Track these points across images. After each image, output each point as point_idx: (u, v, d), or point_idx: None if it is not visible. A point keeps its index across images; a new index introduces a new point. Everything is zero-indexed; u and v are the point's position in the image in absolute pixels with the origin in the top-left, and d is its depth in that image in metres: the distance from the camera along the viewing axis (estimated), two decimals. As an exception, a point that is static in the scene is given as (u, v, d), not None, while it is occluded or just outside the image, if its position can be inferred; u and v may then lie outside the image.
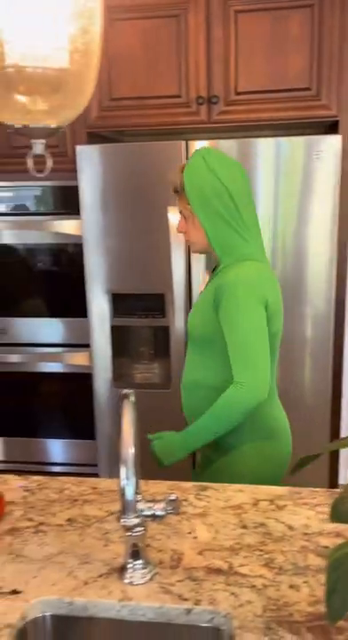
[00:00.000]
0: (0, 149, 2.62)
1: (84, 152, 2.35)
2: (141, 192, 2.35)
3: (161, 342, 2.51)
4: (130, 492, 0.93)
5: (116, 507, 1.30)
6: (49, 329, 2.71)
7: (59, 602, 1.02)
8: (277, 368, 1.60)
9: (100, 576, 1.08)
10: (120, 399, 0.96)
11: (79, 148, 2.35)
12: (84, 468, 2.73)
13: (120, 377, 2.57)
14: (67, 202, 2.54)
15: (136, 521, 0.95)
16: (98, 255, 2.44)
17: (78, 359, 2.68)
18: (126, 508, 0.94)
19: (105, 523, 1.25)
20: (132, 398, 0.95)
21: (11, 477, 1.47)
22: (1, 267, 2.70)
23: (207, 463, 1.60)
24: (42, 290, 2.72)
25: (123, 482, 0.93)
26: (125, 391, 0.96)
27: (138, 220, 2.37)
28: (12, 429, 2.85)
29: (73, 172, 2.38)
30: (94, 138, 2.50)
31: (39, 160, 0.83)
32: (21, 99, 0.75)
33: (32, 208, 2.62)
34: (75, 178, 2.38)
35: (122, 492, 0.94)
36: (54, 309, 2.70)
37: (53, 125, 0.78)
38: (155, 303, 2.44)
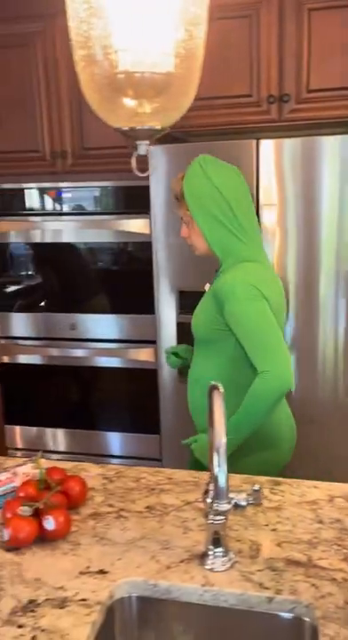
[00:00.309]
0: (72, 150, 2.71)
1: (155, 152, 2.40)
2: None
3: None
4: (222, 479, 0.96)
5: (192, 496, 1.34)
6: (115, 325, 2.78)
7: (145, 583, 1.07)
8: None
9: (182, 561, 1.11)
10: (209, 390, 0.99)
11: (151, 149, 2.39)
12: (147, 462, 2.78)
13: (185, 373, 2.60)
14: (136, 201, 2.59)
15: (228, 507, 0.98)
16: (166, 253, 2.48)
17: (143, 355, 2.74)
18: (219, 494, 0.97)
19: (182, 511, 1.29)
20: (221, 389, 0.98)
21: (89, 465, 1.53)
22: (72, 265, 2.79)
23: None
24: (109, 287, 2.80)
25: (216, 469, 0.96)
26: (214, 383, 0.99)
27: (206, 218, 2.39)
28: (77, 422, 2.94)
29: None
30: (163, 137, 2.54)
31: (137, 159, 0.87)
32: (129, 102, 0.80)
33: (100, 207, 2.70)
34: (145, 177, 2.43)
35: (215, 479, 0.97)
36: (121, 306, 2.77)
37: (158, 127, 0.83)
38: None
